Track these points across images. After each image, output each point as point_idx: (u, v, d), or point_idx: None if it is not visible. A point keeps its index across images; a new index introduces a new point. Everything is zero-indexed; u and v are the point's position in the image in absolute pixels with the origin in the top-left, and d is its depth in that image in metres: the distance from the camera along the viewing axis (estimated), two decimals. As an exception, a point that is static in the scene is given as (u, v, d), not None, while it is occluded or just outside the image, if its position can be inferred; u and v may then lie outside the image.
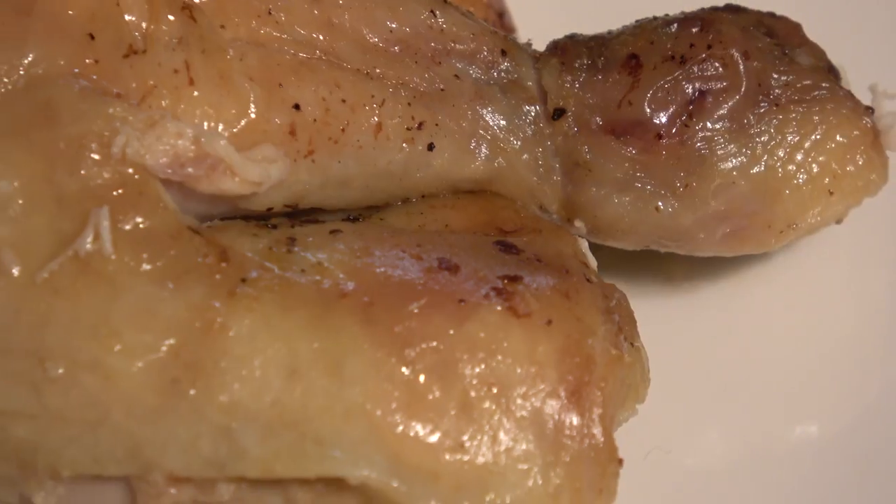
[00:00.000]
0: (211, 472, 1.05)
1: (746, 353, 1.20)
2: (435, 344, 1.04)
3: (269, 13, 1.09)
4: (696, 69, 1.13)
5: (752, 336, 1.21)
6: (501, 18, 1.21)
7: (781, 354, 1.20)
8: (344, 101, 1.09)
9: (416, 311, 1.05)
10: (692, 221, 1.15)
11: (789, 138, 1.14)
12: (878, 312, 1.20)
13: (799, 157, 1.14)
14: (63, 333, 1.04)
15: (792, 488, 1.20)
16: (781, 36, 1.16)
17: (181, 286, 1.04)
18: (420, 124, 1.11)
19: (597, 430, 1.05)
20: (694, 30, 1.15)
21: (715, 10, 1.18)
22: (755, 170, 1.14)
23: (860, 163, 1.15)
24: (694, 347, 1.20)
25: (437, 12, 1.13)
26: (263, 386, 1.03)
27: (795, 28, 1.19)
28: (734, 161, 1.13)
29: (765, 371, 1.20)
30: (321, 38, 1.10)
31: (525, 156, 1.14)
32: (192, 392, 1.03)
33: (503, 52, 1.14)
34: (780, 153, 1.14)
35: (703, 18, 1.16)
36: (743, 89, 1.13)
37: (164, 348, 1.03)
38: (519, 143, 1.14)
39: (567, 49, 1.17)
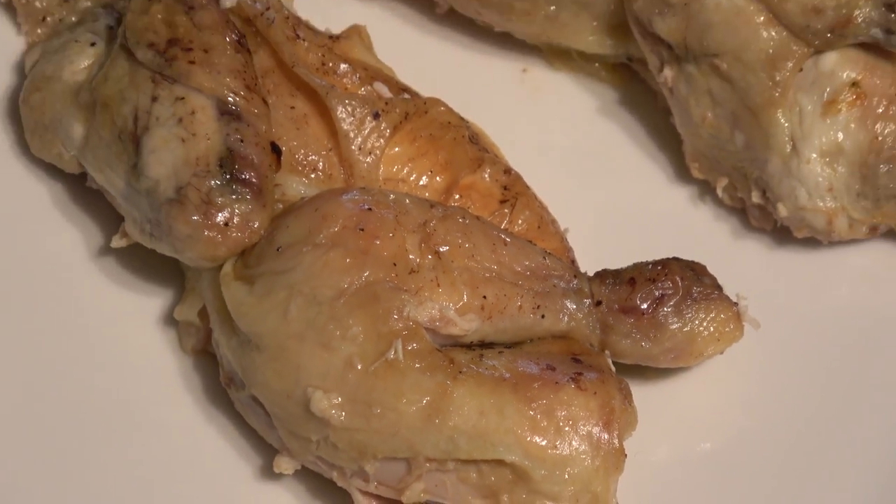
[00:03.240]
0: (444, 456, 1.10)
1: (686, 404, 1.22)
2: (544, 402, 1.09)
3: (473, 255, 1.14)
4: (659, 284, 1.17)
5: (690, 397, 1.22)
6: (573, 262, 1.24)
7: (705, 402, 1.22)
8: (505, 295, 1.14)
9: (536, 386, 1.10)
10: (657, 353, 1.18)
11: (700, 315, 1.17)
12: (742, 372, 1.22)
13: (704, 324, 1.17)
14: (379, 395, 1.09)
15: (722, 474, 1.20)
16: (697, 270, 1.19)
17: (433, 374, 1.10)
18: (538, 306, 1.15)
19: (615, 441, 1.10)
20: (659, 267, 1.19)
21: (668, 259, 1.20)
22: (685, 329, 1.17)
23: (732, 327, 1.18)
24: (659, 405, 1.22)
25: (546, 257, 1.18)
26: (468, 419, 1.08)
27: (703, 267, 1.20)
28: (675, 325, 1.16)
29: (695, 413, 1.22)
30: (495, 267, 1.15)
31: (584, 321, 1.18)
32: (436, 421, 1.09)
33: (575, 276, 1.18)
34: (696, 322, 1.16)
35: (663, 262, 1.19)
36: (680, 294, 1.17)
37: (424, 401, 1.09)
38: (581, 315, 1.17)
39: (602, 275, 1.20)
